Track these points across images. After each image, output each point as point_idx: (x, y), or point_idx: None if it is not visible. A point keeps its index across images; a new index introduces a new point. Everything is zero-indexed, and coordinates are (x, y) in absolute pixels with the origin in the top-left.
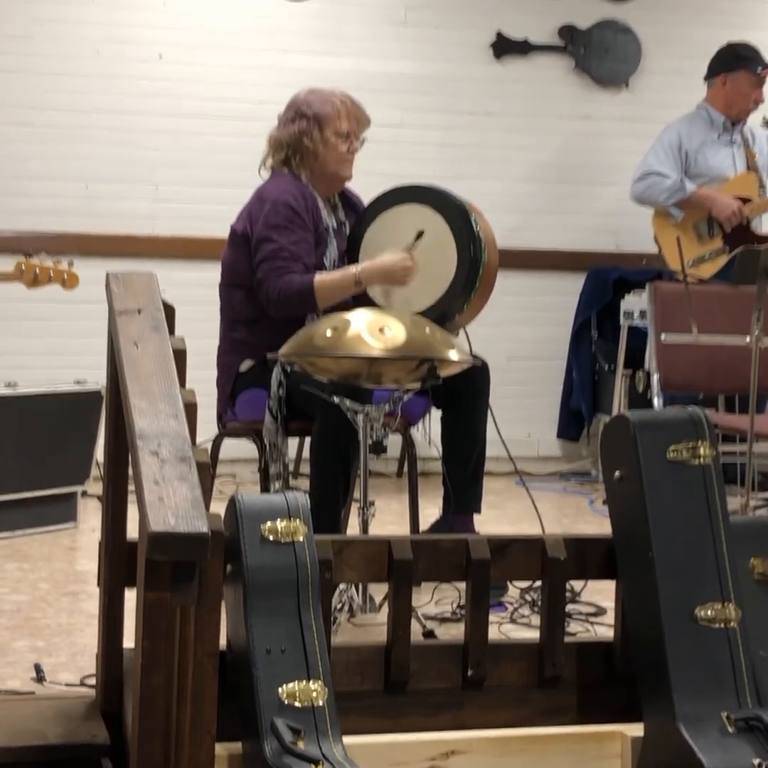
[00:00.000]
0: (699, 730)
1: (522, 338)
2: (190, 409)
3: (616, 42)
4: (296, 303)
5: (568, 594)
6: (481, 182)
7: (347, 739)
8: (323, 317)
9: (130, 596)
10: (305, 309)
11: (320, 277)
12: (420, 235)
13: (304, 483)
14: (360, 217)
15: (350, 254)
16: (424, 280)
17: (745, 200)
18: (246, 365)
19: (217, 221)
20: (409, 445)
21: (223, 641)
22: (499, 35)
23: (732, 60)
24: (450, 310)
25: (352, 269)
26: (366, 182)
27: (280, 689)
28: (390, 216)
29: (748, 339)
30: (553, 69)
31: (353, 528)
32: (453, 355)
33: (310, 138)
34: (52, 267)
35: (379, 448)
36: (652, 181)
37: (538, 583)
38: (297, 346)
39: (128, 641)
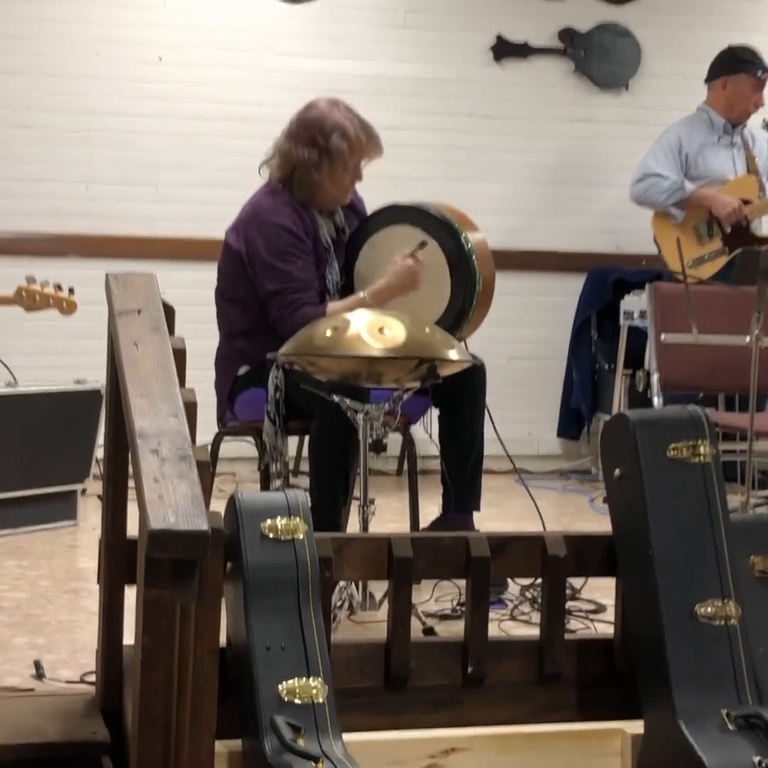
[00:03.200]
0: (699, 728)
1: (522, 338)
2: (190, 409)
3: (615, 45)
4: None
5: (568, 591)
6: (481, 184)
7: (347, 737)
8: (323, 318)
9: (130, 593)
10: None
11: (332, 308)
12: (423, 244)
13: (304, 481)
14: (351, 238)
15: (347, 277)
16: (420, 304)
17: (746, 202)
18: (243, 369)
19: (217, 222)
20: (408, 443)
21: (223, 639)
22: (499, 38)
23: (733, 63)
24: (449, 328)
25: (361, 294)
26: (365, 185)
27: (280, 686)
28: (378, 242)
29: (747, 339)
30: (553, 72)
31: (353, 526)
32: (453, 354)
33: (319, 171)
34: (52, 294)
35: (379, 447)
36: (651, 182)
37: (539, 580)
38: (297, 346)
39: (128, 638)
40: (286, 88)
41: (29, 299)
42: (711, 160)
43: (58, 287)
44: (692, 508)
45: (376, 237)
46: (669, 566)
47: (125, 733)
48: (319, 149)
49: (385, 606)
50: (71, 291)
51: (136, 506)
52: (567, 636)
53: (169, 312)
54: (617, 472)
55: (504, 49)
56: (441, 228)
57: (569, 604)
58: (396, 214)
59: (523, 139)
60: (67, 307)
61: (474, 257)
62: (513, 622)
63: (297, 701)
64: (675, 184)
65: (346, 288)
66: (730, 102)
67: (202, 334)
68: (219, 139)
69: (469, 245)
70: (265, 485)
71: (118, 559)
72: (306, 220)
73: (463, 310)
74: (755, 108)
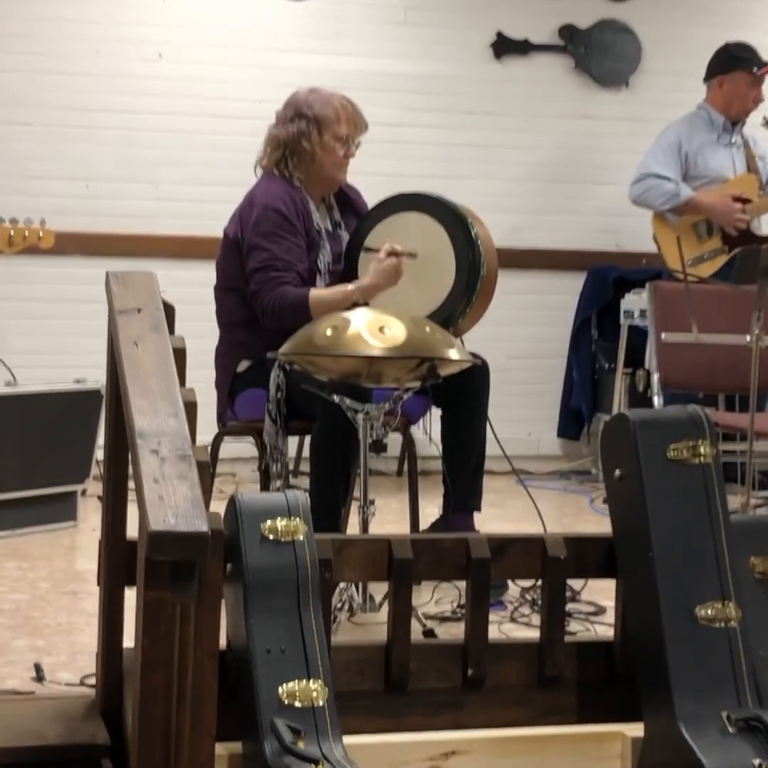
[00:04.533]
0: (699, 730)
1: (522, 337)
2: (190, 408)
3: (616, 42)
4: (290, 316)
5: (568, 593)
6: (481, 181)
7: (347, 739)
8: (323, 317)
9: (130, 595)
10: (299, 322)
11: (315, 293)
12: (412, 256)
13: (304, 481)
14: (358, 225)
15: (349, 263)
16: (423, 290)
17: (745, 201)
18: (243, 366)
19: (217, 220)
20: (409, 443)
21: (223, 641)
22: (499, 35)
23: (727, 61)
24: (449, 319)
25: (349, 287)
26: (365, 182)
27: (280, 689)
28: (389, 225)
29: (748, 338)
30: (553, 69)
31: (353, 527)
32: (453, 354)
33: (309, 140)
34: (25, 227)
35: (379, 447)
36: (650, 183)
37: (539, 582)
38: (297, 346)
39: (128, 641)
40: (286, 84)
41: (3, 238)
42: (710, 159)
43: (29, 221)
44: (692, 509)
45: (382, 225)
46: (669, 567)
47: (125, 735)
48: (306, 119)
49: (385, 608)
50: (42, 222)
51: (136, 507)
52: (567, 638)
53: (169, 311)
54: (617, 472)
55: (504, 46)
56: (447, 213)
57: (569, 606)
58: (402, 202)
59: (523, 136)
60: (45, 238)
61: (479, 242)
62: (513, 624)
63: (297, 704)
64: (673, 190)
65: (342, 275)
66: (728, 100)
67: (202, 333)
68: (219, 136)
69: (475, 229)
70: (265, 486)
71: (118, 561)
72: (298, 203)
73: (465, 297)
74: (754, 104)
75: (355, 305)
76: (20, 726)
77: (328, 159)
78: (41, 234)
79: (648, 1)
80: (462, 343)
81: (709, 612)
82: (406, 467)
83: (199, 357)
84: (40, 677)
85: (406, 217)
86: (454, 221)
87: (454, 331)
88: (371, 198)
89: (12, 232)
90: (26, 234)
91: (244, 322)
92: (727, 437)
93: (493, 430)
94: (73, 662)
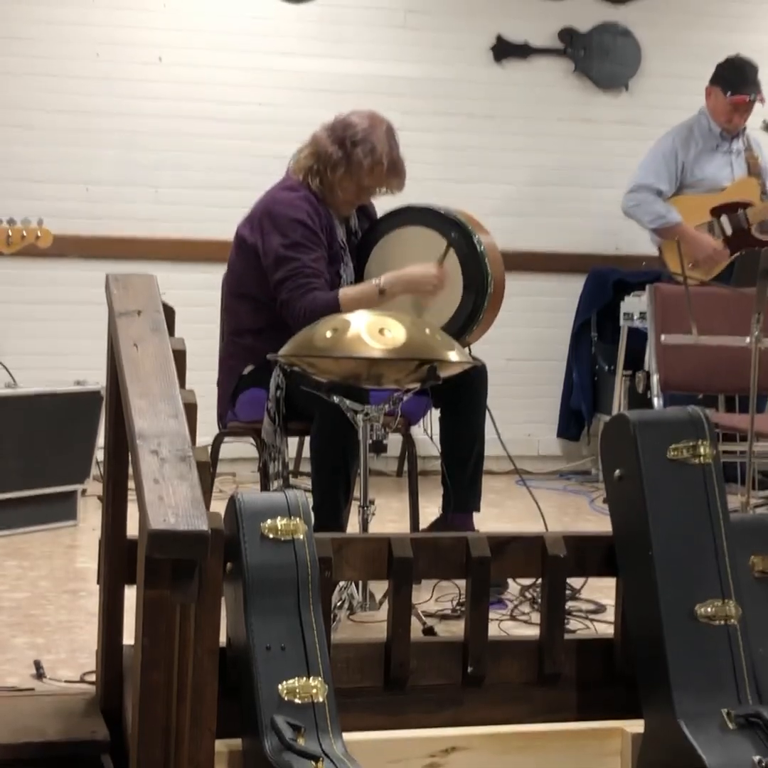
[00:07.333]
0: (699, 727)
1: (522, 339)
2: (190, 409)
3: (615, 45)
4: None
5: (568, 591)
6: (482, 185)
7: (347, 736)
8: (324, 319)
9: (130, 594)
10: None
11: (345, 291)
12: (449, 247)
13: (304, 482)
14: (363, 239)
15: (358, 278)
16: (433, 304)
17: (747, 205)
18: (249, 369)
19: (217, 223)
20: (409, 444)
21: (223, 638)
22: (499, 38)
23: (716, 73)
24: (459, 331)
25: (374, 281)
26: None
27: (280, 686)
28: (391, 241)
29: (747, 340)
30: (553, 72)
31: (353, 526)
32: (452, 356)
33: (334, 172)
34: (23, 227)
35: (379, 448)
36: (642, 197)
37: (539, 580)
38: (297, 347)
39: (128, 638)
40: (286, 88)
41: (1, 241)
42: (707, 167)
43: (27, 221)
44: (692, 509)
45: (387, 237)
46: (669, 566)
47: (125, 732)
48: (343, 152)
49: (385, 606)
50: (40, 222)
51: (136, 507)
52: (567, 636)
53: (169, 313)
54: (617, 472)
55: (504, 49)
56: (454, 230)
57: (569, 605)
58: (409, 216)
59: (523, 140)
60: (42, 237)
61: (487, 260)
62: (513, 622)
63: (297, 701)
64: (662, 212)
65: None
66: (711, 109)
67: (202, 335)
68: (219, 140)
69: (482, 247)
70: (265, 486)
71: (118, 560)
72: (322, 216)
73: (473, 313)
74: (731, 125)
75: (382, 293)
76: (20, 722)
77: (342, 197)
78: (39, 234)
79: (648, 4)
80: (469, 350)
81: (709, 610)
82: (406, 467)
83: (199, 359)
84: (40, 674)
85: (410, 232)
86: (461, 236)
87: (466, 339)
88: (374, 201)
89: (10, 233)
90: (24, 234)
91: (253, 329)
92: (727, 438)
93: (496, 430)
94: (73, 660)
